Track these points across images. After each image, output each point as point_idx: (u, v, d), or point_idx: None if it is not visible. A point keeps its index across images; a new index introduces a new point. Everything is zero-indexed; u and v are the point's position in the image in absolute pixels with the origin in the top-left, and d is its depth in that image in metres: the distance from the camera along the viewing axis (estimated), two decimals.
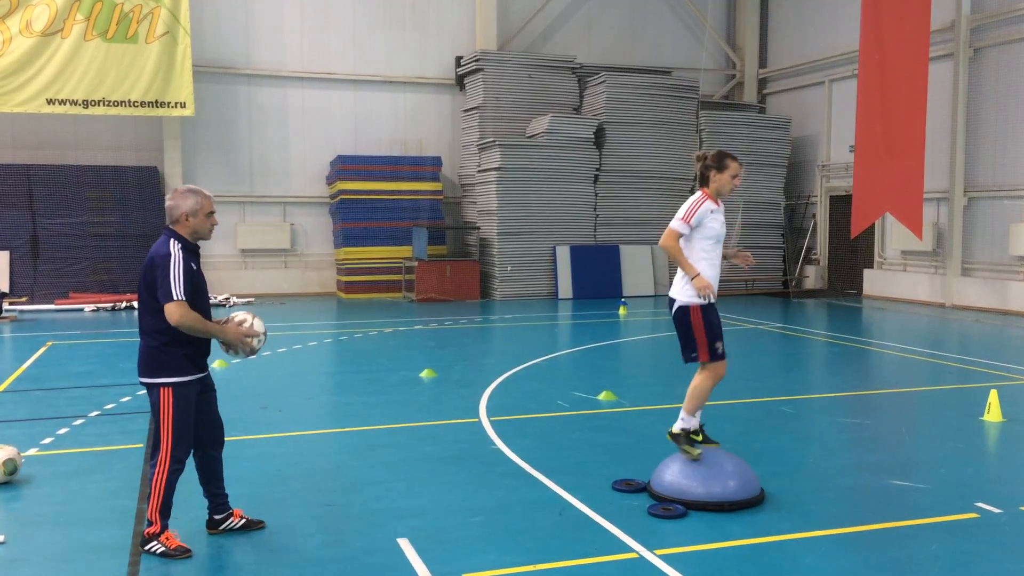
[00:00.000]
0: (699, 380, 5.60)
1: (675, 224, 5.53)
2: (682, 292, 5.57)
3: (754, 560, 4.67)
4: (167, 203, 4.78)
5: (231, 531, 5.01)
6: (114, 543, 4.86)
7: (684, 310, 5.55)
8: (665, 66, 21.75)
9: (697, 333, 5.52)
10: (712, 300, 5.53)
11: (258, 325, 4.87)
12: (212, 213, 4.83)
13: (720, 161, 5.63)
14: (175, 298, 4.57)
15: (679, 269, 5.61)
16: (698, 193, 5.64)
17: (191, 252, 4.75)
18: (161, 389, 4.65)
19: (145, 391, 4.81)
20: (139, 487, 5.84)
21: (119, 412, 8.08)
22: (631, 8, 22.31)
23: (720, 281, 5.70)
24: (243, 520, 5.06)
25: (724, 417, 7.71)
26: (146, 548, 4.69)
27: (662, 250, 5.69)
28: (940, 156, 17.46)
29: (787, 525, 5.16)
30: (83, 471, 6.21)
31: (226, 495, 5.06)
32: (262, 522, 5.12)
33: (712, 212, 5.56)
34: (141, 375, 4.73)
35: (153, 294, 4.64)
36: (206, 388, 4.89)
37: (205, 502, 5.07)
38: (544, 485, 5.91)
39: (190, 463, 4.93)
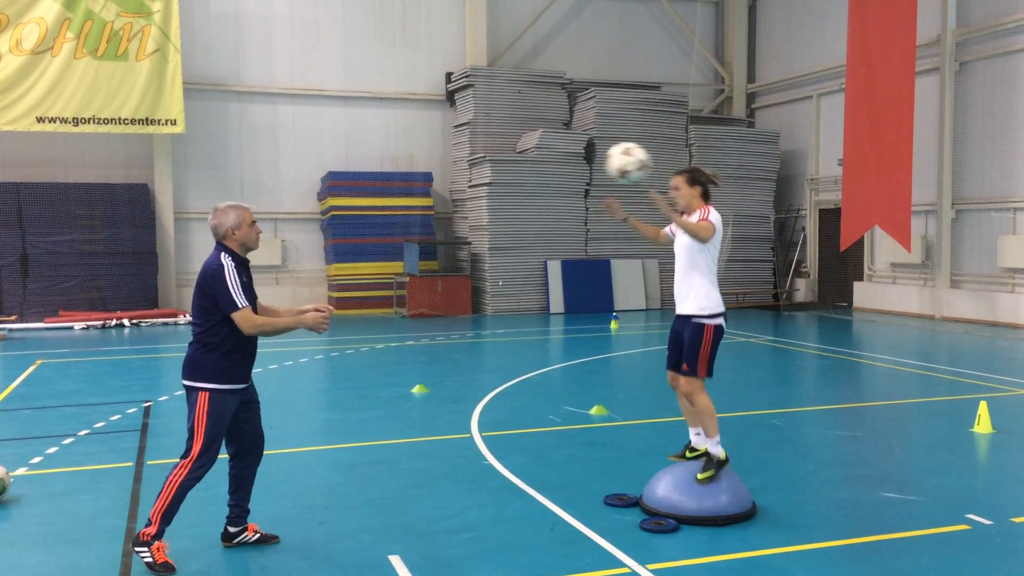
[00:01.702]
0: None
1: None
2: None
3: (747, 574, 4.67)
4: (211, 223, 4.93)
5: (245, 545, 5.05)
6: (103, 563, 4.84)
7: None
8: (654, 81, 21.87)
9: None
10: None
11: (631, 157, 5.19)
12: (255, 222, 4.98)
13: None
14: (239, 306, 4.73)
15: None
16: None
17: (242, 266, 4.88)
18: (199, 393, 4.77)
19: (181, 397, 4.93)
20: (129, 506, 5.82)
21: (109, 431, 8.03)
22: (620, 24, 22.45)
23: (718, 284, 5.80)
24: (257, 535, 5.10)
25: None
26: (136, 549, 4.71)
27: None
28: (928, 169, 17.58)
29: (779, 539, 5.16)
30: (72, 490, 6.18)
31: (247, 510, 5.11)
32: (276, 537, 5.15)
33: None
34: (183, 377, 4.86)
35: (204, 304, 4.78)
36: (249, 403, 4.98)
37: (211, 518, 5.08)
38: (536, 500, 5.90)
39: (223, 473, 5.01)
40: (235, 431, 4.96)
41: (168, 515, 4.72)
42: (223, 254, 4.84)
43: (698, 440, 5.80)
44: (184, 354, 4.93)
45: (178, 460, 4.79)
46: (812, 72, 20.89)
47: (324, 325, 4.93)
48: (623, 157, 5.39)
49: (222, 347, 4.78)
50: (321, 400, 10.03)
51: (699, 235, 5.49)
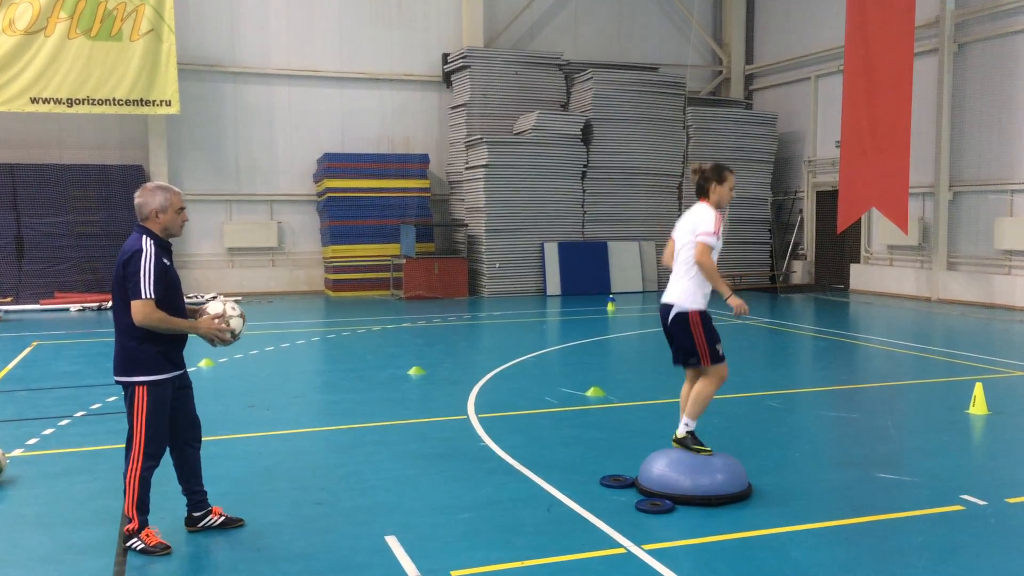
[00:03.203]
0: (703, 385, 5.63)
1: (707, 239, 5.48)
2: (682, 297, 5.61)
3: (742, 554, 4.69)
4: (136, 200, 4.76)
5: (210, 529, 5.00)
6: (99, 543, 4.84)
7: (684, 316, 5.59)
8: (652, 62, 21.78)
9: (698, 338, 5.57)
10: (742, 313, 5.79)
11: (233, 315, 4.86)
12: (182, 209, 4.84)
13: (720, 174, 5.67)
14: (143, 296, 4.56)
15: (676, 275, 5.65)
16: (705, 205, 5.65)
17: (163, 249, 4.75)
18: (137, 387, 4.65)
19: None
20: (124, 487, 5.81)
21: (105, 412, 8.03)
22: (618, 4, 22.32)
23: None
24: (222, 518, 5.05)
25: (711, 412, 7.69)
26: (127, 545, 4.70)
27: (700, 265, 5.51)
28: (925, 151, 17.55)
29: (775, 519, 5.18)
30: (69, 471, 6.18)
31: (204, 492, 5.05)
32: (241, 520, 5.11)
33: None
34: (117, 374, 4.73)
35: (127, 292, 4.62)
36: (183, 387, 4.89)
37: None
38: (532, 481, 5.91)
39: (167, 460, 4.92)
40: (170, 420, 4.82)
41: (142, 506, 4.69)
42: (145, 237, 4.67)
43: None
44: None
45: (127, 458, 4.68)
46: (810, 54, 20.81)
47: (220, 337, 4.77)
48: (228, 332, 4.86)
49: (155, 335, 4.62)
50: (317, 382, 10.03)
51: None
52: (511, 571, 4.46)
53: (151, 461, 4.69)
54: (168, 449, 4.92)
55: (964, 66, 17.17)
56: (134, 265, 4.57)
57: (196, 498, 5.00)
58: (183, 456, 4.95)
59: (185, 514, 5.03)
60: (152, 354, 4.64)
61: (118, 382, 4.73)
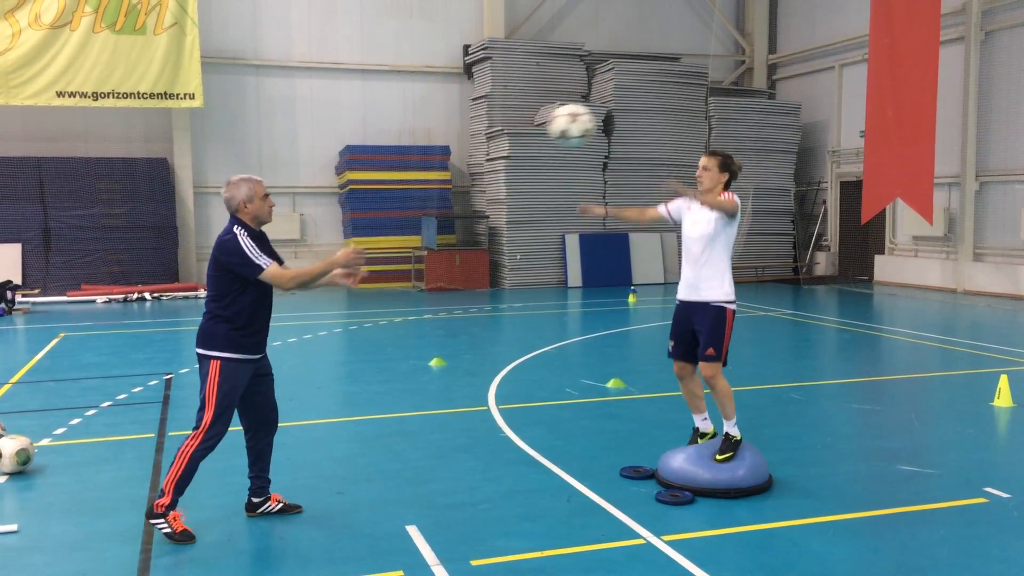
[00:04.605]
0: None
1: None
2: None
3: (762, 546, 4.68)
4: (224, 196, 4.95)
5: (268, 515, 5.11)
6: (126, 531, 4.91)
7: None
8: (673, 52, 21.63)
9: None
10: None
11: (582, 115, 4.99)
12: (267, 195, 4.98)
13: None
14: (263, 267, 4.73)
15: None
16: None
17: (256, 239, 4.86)
18: (211, 361, 4.80)
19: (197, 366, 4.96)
20: (151, 476, 5.90)
21: (131, 402, 8.14)
22: None
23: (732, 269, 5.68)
24: (280, 504, 5.16)
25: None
26: (152, 521, 4.76)
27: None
28: (951, 140, 17.33)
29: (795, 511, 5.17)
30: (95, 460, 6.27)
31: (268, 480, 5.16)
32: (299, 507, 5.22)
33: (688, 209, 5.76)
34: (197, 346, 4.89)
35: (218, 275, 4.80)
36: (263, 374, 5.00)
37: (231, 488, 5.17)
38: (552, 472, 5.93)
39: (240, 445, 5.06)
40: (248, 404, 4.98)
41: (181, 486, 4.77)
42: (236, 226, 4.84)
43: (705, 424, 5.85)
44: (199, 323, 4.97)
45: (191, 431, 4.82)
46: (834, 42, 20.59)
47: (358, 260, 4.81)
48: (567, 121, 5.13)
49: (235, 320, 4.79)
50: (339, 373, 10.10)
51: (725, 208, 5.44)
52: (531, 561, 4.49)
53: (210, 442, 4.78)
54: (245, 434, 5.07)
55: (991, 54, 16.92)
56: (236, 252, 4.72)
57: (259, 483, 5.12)
58: (257, 441, 5.08)
59: (241, 501, 5.17)
60: (223, 332, 4.79)
61: (198, 354, 4.88)
